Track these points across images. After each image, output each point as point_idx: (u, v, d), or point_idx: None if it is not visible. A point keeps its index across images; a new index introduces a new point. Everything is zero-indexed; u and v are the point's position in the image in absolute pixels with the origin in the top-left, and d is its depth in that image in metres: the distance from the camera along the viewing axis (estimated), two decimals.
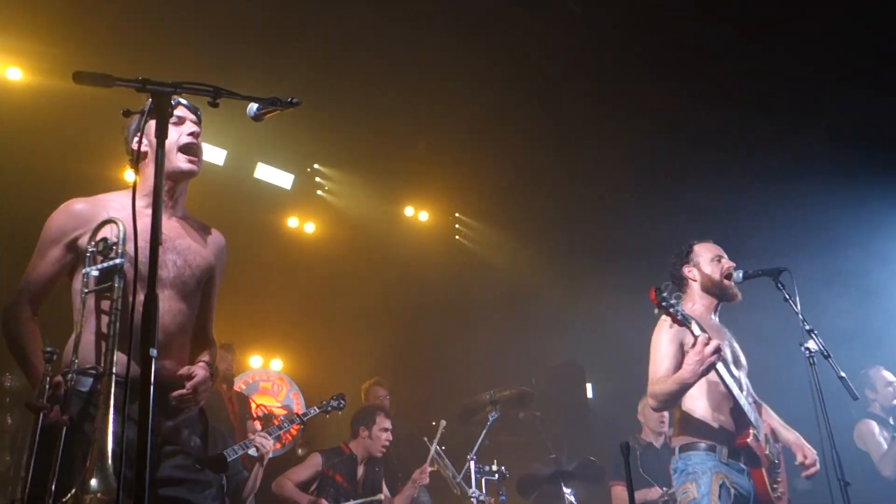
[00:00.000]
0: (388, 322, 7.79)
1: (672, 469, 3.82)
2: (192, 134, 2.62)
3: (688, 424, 3.78)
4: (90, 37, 5.34)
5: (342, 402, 4.97)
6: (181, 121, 2.61)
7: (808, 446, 3.78)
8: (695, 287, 4.00)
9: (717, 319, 3.99)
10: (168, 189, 2.64)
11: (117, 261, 2.40)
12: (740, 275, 3.92)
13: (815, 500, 3.73)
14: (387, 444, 5.41)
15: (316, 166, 7.58)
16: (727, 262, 3.98)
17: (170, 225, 2.61)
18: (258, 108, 2.61)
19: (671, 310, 3.37)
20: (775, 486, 3.68)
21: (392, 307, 7.89)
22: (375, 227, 7.89)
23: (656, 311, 3.41)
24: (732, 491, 3.59)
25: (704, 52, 5.74)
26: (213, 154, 6.65)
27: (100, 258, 2.44)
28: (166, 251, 2.55)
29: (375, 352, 7.44)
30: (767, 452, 3.71)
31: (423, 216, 8.19)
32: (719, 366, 3.52)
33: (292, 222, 7.71)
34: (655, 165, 6.70)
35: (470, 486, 4.89)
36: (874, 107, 5.86)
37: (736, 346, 3.99)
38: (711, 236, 4.18)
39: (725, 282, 3.92)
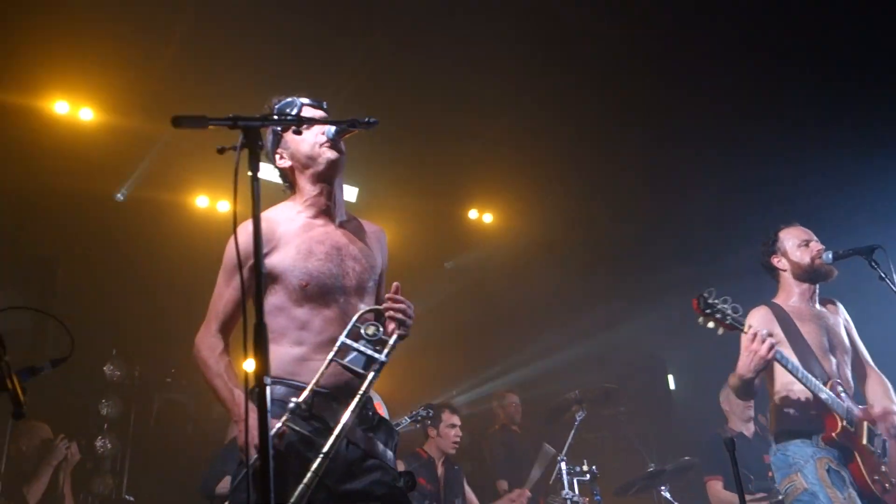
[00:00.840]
0: (461, 334, 7.80)
1: (772, 464, 3.74)
2: (322, 133, 2.63)
3: (781, 414, 3.69)
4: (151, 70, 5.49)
5: (431, 411, 5.02)
6: (306, 126, 2.60)
7: None
8: (786, 276, 3.91)
9: (817, 305, 3.89)
10: (326, 193, 2.68)
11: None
12: (830, 255, 3.80)
13: None
14: (457, 440, 5.43)
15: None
16: (816, 245, 3.87)
17: (340, 232, 2.68)
18: (336, 131, 2.68)
19: (717, 315, 3.30)
20: (876, 477, 3.53)
21: (463, 317, 7.89)
22: (441, 232, 7.91)
23: (700, 319, 3.33)
24: (842, 474, 3.49)
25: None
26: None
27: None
28: (345, 259, 2.61)
29: (454, 363, 7.47)
30: (865, 442, 3.57)
31: (488, 218, 8.14)
32: (789, 358, 3.45)
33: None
34: (735, 149, 6.50)
35: (563, 488, 4.87)
36: None
37: (841, 330, 3.87)
38: (798, 220, 4.08)
39: (817, 262, 3.82)
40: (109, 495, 6.31)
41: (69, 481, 5.41)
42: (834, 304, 4.00)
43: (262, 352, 1.85)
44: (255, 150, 2.04)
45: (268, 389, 1.83)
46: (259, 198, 2.00)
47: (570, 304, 7.87)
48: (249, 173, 2.12)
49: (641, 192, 7.14)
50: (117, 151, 6.08)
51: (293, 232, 2.57)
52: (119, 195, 6.53)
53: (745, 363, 3.36)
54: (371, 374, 2.39)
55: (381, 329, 2.44)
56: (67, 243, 6.70)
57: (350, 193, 7.31)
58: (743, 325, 3.35)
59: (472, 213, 8.04)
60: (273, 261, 2.52)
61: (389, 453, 2.56)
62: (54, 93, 5.73)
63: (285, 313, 2.49)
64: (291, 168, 2.70)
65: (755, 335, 3.32)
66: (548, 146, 6.76)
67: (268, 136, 2.69)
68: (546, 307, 7.87)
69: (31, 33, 5.08)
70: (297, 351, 2.46)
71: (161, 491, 6.74)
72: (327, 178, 2.68)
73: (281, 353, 2.45)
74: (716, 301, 3.34)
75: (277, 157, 2.71)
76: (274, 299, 2.52)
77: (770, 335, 3.42)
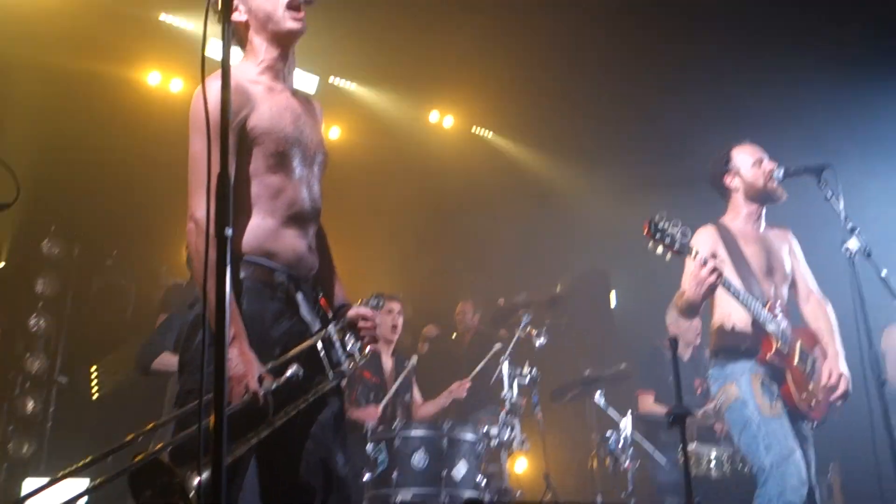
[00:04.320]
0: (409, 227, 7.82)
1: (709, 377, 3.86)
2: None
3: (723, 333, 3.79)
4: None
5: (381, 300, 4.98)
6: None
7: (838, 366, 3.71)
8: (736, 195, 3.92)
9: (762, 226, 3.94)
10: (282, 56, 2.55)
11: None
12: (781, 172, 3.81)
13: (851, 402, 3.73)
14: (394, 325, 5.35)
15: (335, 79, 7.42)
16: (769, 164, 3.87)
17: (296, 100, 2.57)
18: None
19: (666, 240, 3.27)
20: (804, 395, 3.68)
21: (414, 212, 7.90)
22: (400, 131, 7.80)
23: (650, 244, 3.26)
24: (773, 389, 3.63)
25: None
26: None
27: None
28: (304, 128, 2.51)
29: (397, 255, 7.50)
30: (797, 363, 3.70)
31: (449, 121, 8.05)
32: (732, 281, 3.51)
33: None
34: (688, 64, 6.48)
35: (503, 388, 4.96)
36: None
37: (784, 255, 3.94)
38: (749, 137, 4.05)
39: (770, 185, 3.85)
40: (42, 375, 6.21)
41: None
42: (784, 230, 4.04)
43: (223, 202, 1.78)
44: None
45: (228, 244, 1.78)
46: (230, 45, 1.89)
47: (520, 213, 7.92)
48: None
49: (602, 101, 7.12)
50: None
51: (261, 95, 2.44)
52: None
53: (692, 288, 3.39)
54: (331, 379, 2.43)
55: (357, 342, 2.57)
56: (16, 114, 6.34)
57: (310, 83, 7.09)
58: (691, 250, 3.35)
59: (434, 116, 7.97)
60: (252, 122, 2.38)
61: None
62: None
63: (258, 180, 2.38)
64: (246, 24, 2.52)
65: (703, 263, 3.34)
66: (516, 53, 6.65)
67: None
68: (496, 213, 7.91)
69: None
70: (270, 223, 2.38)
71: (97, 375, 6.69)
72: (286, 42, 2.55)
73: (254, 225, 2.36)
74: (666, 225, 3.28)
75: (233, 8, 2.48)
76: (249, 165, 2.40)
77: (715, 258, 3.46)
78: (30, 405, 5.98)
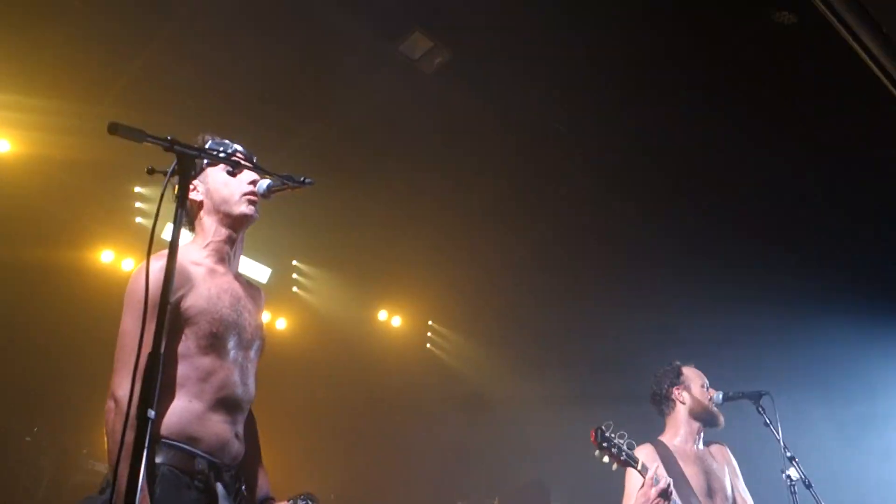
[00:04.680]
0: (346, 423, 7.66)
1: None
2: (252, 182, 2.56)
3: None
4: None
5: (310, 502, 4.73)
6: (239, 169, 2.54)
7: None
8: (681, 411, 3.91)
9: (700, 445, 3.92)
10: (230, 240, 2.57)
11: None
12: (720, 396, 3.87)
13: None
14: None
15: (295, 262, 7.58)
16: (712, 390, 3.95)
17: (238, 284, 2.56)
18: (269, 186, 2.64)
19: (613, 450, 3.28)
20: None
21: (351, 408, 7.76)
22: (347, 327, 7.85)
23: (597, 452, 3.27)
24: None
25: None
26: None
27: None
28: (242, 312, 2.49)
29: (330, 451, 7.27)
30: None
31: (397, 321, 8.16)
32: (677, 501, 3.45)
33: (264, 317, 7.62)
34: (631, 285, 6.77)
35: None
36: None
37: (724, 475, 3.89)
38: (693, 361, 4.15)
39: (713, 408, 3.89)
40: None
41: None
42: (722, 446, 4.02)
43: (150, 382, 1.74)
44: (186, 178, 2.00)
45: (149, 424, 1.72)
46: (181, 225, 1.95)
47: (462, 419, 7.84)
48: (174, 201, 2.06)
49: (546, 313, 7.33)
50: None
51: (201, 276, 2.44)
52: None
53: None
54: None
55: None
56: None
57: (262, 274, 7.19)
58: (637, 462, 3.33)
59: (382, 315, 8.10)
60: (188, 302, 2.36)
61: None
62: None
63: (188, 361, 2.32)
64: (200, 203, 2.56)
65: (654, 482, 3.30)
66: (468, 261, 6.94)
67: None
68: (437, 416, 7.81)
69: None
70: (196, 406, 2.29)
71: None
72: (236, 228, 2.58)
73: (179, 407, 2.27)
74: (612, 435, 3.30)
75: (191, 188, 2.52)
76: (180, 345, 2.35)
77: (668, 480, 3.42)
78: None
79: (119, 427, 2.06)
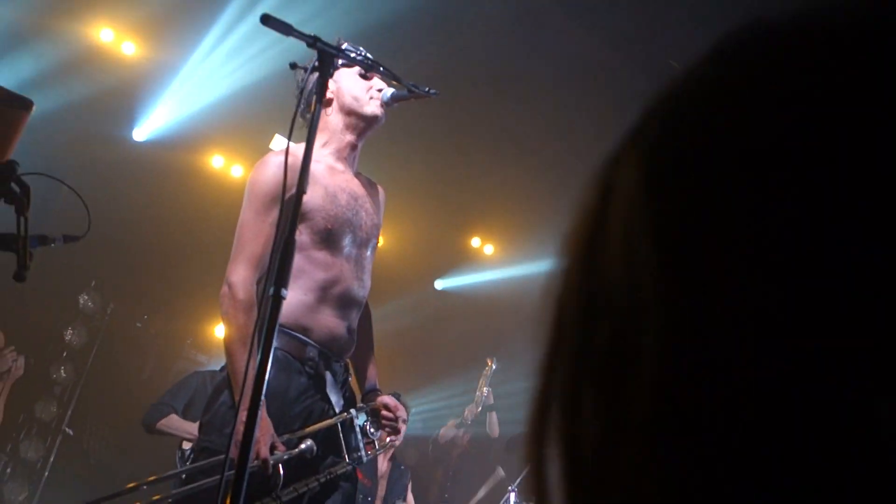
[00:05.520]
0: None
1: None
2: (380, 90, 2.61)
3: None
4: None
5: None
6: (371, 74, 2.58)
7: None
8: None
9: None
10: (353, 140, 2.62)
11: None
12: None
13: None
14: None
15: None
16: None
17: (357, 182, 2.64)
18: (392, 94, 2.69)
19: None
20: None
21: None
22: (440, 251, 7.97)
23: None
24: None
25: None
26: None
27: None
28: (360, 210, 2.57)
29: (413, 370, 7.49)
30: None
31: (489, 249, 8.18)
32: None
33: None
34: None
35: None
36: None
37: None
38: None
39: None
40: (50, 423, 6.19)
41: (6, 394, 5.29)
42: None
43: (285, 265, 1.86)
44: (325, 75, 2.08)
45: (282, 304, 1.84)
46: (318, 118, 2.04)
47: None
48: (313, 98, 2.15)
49: None
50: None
51: (320, 172, 2.50)
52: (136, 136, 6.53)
53: None
54: (346, 463, 2.43)
55: (377, 431, 2.55)
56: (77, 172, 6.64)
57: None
58: None
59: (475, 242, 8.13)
60: (305, 196, 2.45)
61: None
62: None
63: (303, 256, 2.40)
64: (329, 102, 2.59)
65: None
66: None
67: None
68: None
69: None
70: (310, 299, 2.41)
71: (102, 431, 6.64)
72: (362, 129, 2.63)
73: (294, 299, 2.33)
74: None
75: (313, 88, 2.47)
76: (298, 239, 2.43)
77: None
78: (32, 451, 5.93)
79: (232, 310, 2.26)
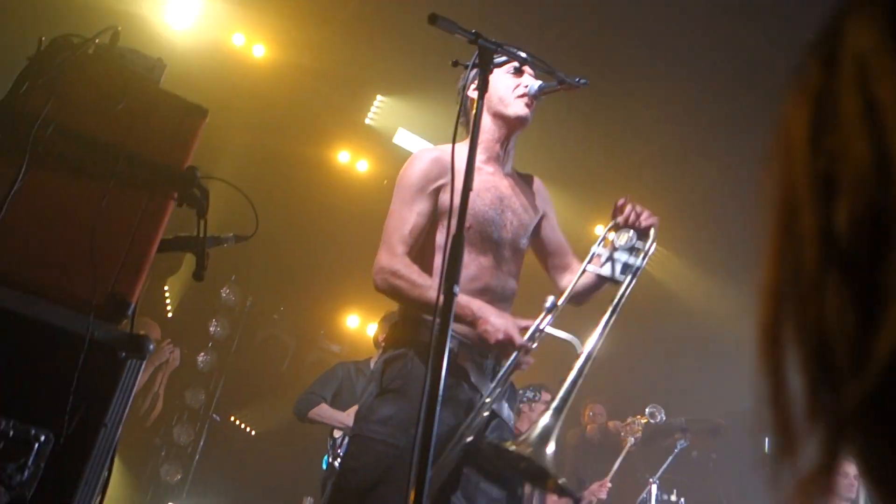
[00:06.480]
0: None
1: None
2: (527, 86, 2.61)
3: None
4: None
5: (538, 393, 4.96)
6: (520, 72, 2.61)
7: None
8: None
9: None
10: (502, 140, 2.64)
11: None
12: None
13: None
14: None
15: None
16: None
17: (506, 182, 2.65)
18: (540, 87, 2.65)
19: None
20: None
21: None
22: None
23: None
24: None
25: None
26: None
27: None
28: (505, 210, 2.58)
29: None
30: None
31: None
32: None
33: None
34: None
35: None
36: None
37: None
38: None
39: None
40: (198, 409, 6.56)
41: (165, 384, 5.64)
42: None
43: (455, 261, 1.87)
44: (485, 71, 2.08)
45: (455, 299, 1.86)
46: (482, 113, 2.05)
47: (689, 338, 7.68)
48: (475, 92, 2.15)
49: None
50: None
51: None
52: None
53: None
54: (628, 279, 2.40)
55: (634, 235, 2.46)
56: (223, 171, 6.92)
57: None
58: None
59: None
60: (445, 196, 2.48)
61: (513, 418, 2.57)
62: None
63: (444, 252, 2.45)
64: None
65: None
66: None
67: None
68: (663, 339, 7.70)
69: None
70: None
71: (246, 415, 6.99)
72: (510, 129, 2.63)
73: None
74: None
75: (472, 86, 2.56)
76: (437, 236, 2.50)
77: None
78: (184, 436, 6.31)
79: (393, 279, 2.35)
